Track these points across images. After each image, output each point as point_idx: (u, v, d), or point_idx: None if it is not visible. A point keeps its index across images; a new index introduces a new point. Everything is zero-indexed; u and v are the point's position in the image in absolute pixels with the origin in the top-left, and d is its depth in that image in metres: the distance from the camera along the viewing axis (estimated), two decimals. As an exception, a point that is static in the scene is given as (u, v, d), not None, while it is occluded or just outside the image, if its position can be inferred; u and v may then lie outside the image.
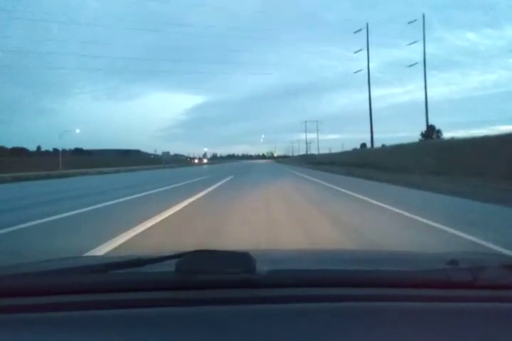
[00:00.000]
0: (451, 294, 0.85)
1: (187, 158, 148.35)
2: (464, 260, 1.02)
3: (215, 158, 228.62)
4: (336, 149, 77.83)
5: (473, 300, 0.84)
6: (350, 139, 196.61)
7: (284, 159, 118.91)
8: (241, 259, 0.85)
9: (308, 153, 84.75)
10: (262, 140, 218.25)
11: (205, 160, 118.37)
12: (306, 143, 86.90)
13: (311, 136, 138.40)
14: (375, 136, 36.01)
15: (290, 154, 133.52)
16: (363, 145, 74.65)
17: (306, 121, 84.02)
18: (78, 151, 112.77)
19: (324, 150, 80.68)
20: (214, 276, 0.85)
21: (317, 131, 79.31)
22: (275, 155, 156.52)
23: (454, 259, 0.95)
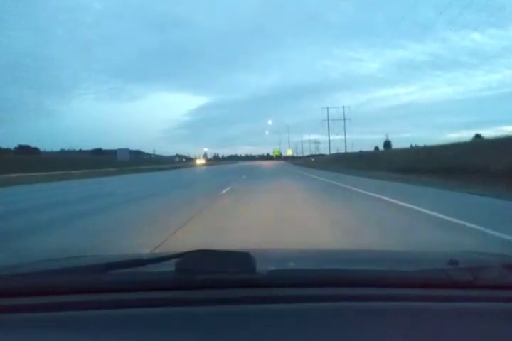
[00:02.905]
0: (452, 294, 0.85)
1: (182, 158, 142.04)
2: (464, 260, 1.02)
3: (216, 159, 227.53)
4: (344, 150, 57.12)
5: (474, 300, 0.83)
6: (355, 139, 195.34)
7: (314, 161, 68.62)
8: (241, 259, 0.85)
9: (317, 153, 69.42)
10: (267, 133, 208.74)
11: (203, 161, 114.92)
12: (329, 139, 62.24)
13: (316, 136, 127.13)
14: (391, 137, 32.41)
15: (296, 155, 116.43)
16: (387, 143, 67.46)
17: (327, 107, 58.31)
18: (23, 150, 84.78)
19: (332, 151, 63.46)
20: (214, 276, 0.84)
21: (344, 120, 54.93)
22: (289, 153, 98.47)
23: (454, 259, 0.95)
